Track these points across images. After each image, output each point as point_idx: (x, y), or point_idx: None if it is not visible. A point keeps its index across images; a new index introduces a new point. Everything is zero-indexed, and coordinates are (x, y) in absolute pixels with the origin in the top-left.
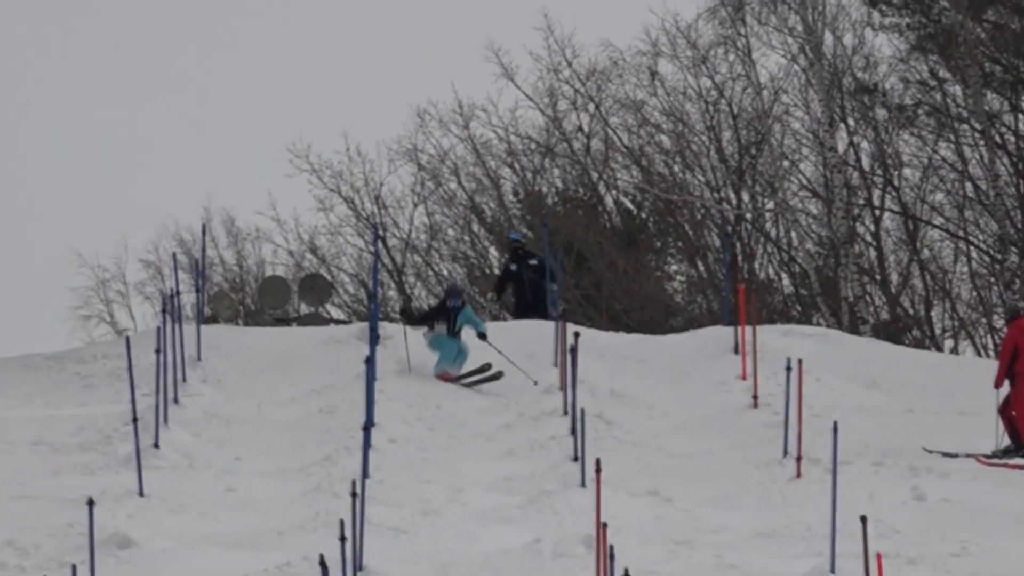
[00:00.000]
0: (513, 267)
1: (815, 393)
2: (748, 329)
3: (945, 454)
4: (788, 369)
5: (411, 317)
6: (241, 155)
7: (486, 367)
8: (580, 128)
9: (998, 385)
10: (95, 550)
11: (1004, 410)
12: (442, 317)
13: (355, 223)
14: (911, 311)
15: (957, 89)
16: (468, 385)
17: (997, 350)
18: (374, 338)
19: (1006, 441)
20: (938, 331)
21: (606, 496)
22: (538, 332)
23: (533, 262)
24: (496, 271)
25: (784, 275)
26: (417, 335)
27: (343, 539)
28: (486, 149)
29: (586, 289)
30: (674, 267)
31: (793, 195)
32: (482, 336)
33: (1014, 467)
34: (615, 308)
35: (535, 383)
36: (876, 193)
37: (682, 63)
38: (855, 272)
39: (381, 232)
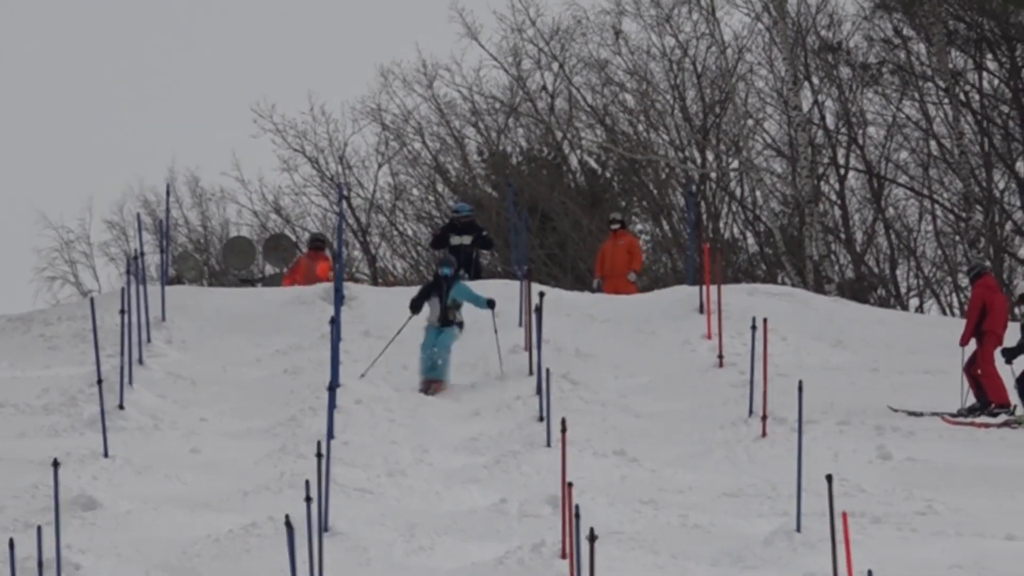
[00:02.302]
0: (454, 240)
1: (780, 352)
2: (713, 288)
3: (911, 413)
4: (753, 328)
5: (413, 305)
6: (205, 116)
7: (491, 302)
8: (544, 87)
9: (964, 343)
10: (60, 511)
11: (969, 368)
12: (434, 292)
13: (319, 183)
14: (876, 270)
15: (921, 47)
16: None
17: (963, 309)
18: (339, 299)
19: (971, 400)
20: (903, 290)
21: (572, 456)
22: (504, 292)
23: (466, 240)
24: None
25: (749, 234)
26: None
27: (308, 500)
28: (450, 109)
29: (551, 248)
30: (639, 226)
31: (758, 154)
32: (490, 304)
33: (980, 425)
34: (580, 267)
35: (501, 373)
36: (841, 152)
37: (646, 22)
38: (820, 231)
39: (346, 192)
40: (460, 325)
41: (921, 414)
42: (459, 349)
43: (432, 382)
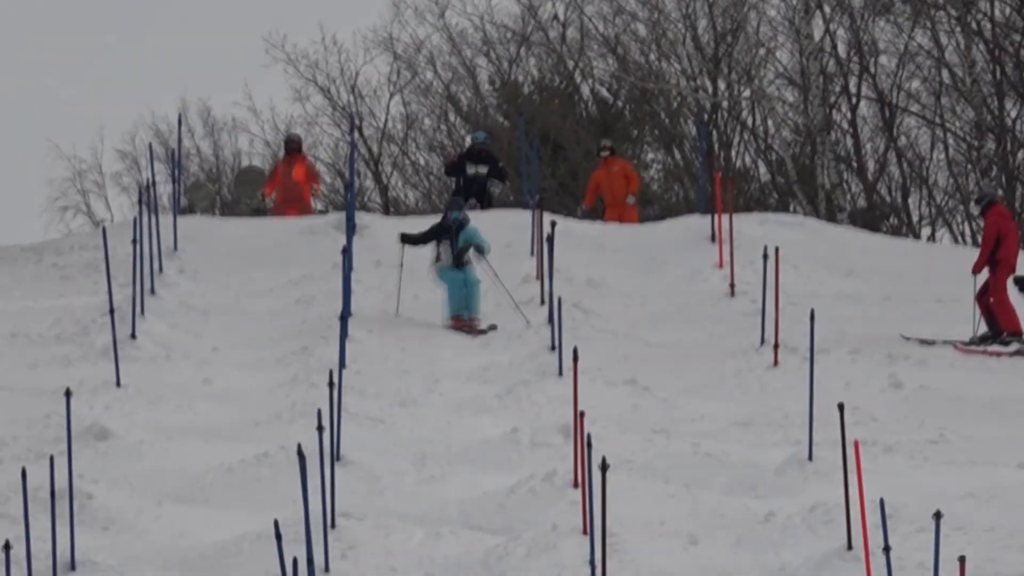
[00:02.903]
0: (470, 169)
1: (792, 281)
2: (725, 218)
3: (923, 341)
4: (765, 257)
5: (411, 238)
6: (217, 45)
7: (491, 327)
8: (556, 17)
9: (976, 271)
10: (72, 441)
11: (982, 297)
12: (444, 236)
13: (331, 113)
14: (888, 199)
15: None
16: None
17: (975, 238)
18: (351, 228)
19: (983, 328)
20: (915, 218)
21: (583, 385)
22: (515, 221)
23: (482, 170)
24: None
25: (761, 163)
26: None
27: (320, 429)
28: (462, 38)
29: (563, 178)
30: (650, 156)
31: (769, 83)
32: (480, 250)
33: (992, 354)
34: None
35: (528, 323)
36: (852, 80)
37: None
38: (832, 160)
39: (357, 122)
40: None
41: (933, 343)
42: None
43: (468, 321)
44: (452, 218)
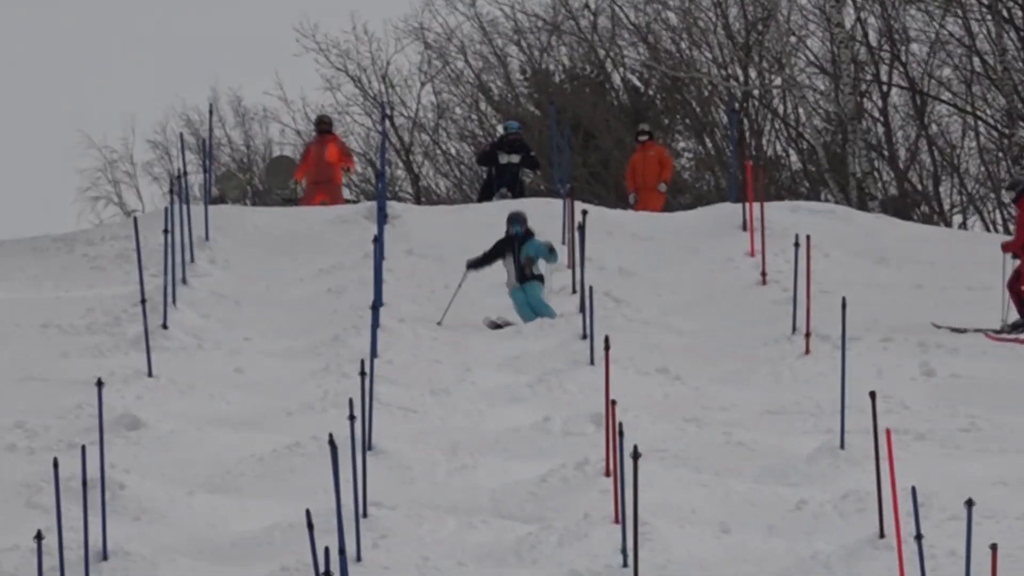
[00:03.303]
0: (502, 158)
1: (823, 269)
2: (756, 206)
3: (954, 329)
4: (796, 245)
5: (477, 263)
6: (248, 34)
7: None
8: (587, 5)
9: (1009, 249)
10: (104, 431)
11: (1013, 284)
12: (507, 250)
13: (362, 102)
14: (919, 187)
15: None
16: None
17: (1007, 226)
18: (382, 217)
19: (1014, 316)
20: (946, 206)
21: (615, 374)
22: (546, 210)
23: (515, 159)
24: None
25: (792, 151)
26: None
27: (352, 418)
28: (493, 27)
29: (594, 167)
30: (681, 144)
31: (800, 71)
32: (550, 259)
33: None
34: (623, 186)
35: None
36: (883, 69)
37: None
38: (863, 148)
39: (388, 111)
40: (540, 279)
41: (964, 331)
42: (499, 269)
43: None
44: (514, 232)
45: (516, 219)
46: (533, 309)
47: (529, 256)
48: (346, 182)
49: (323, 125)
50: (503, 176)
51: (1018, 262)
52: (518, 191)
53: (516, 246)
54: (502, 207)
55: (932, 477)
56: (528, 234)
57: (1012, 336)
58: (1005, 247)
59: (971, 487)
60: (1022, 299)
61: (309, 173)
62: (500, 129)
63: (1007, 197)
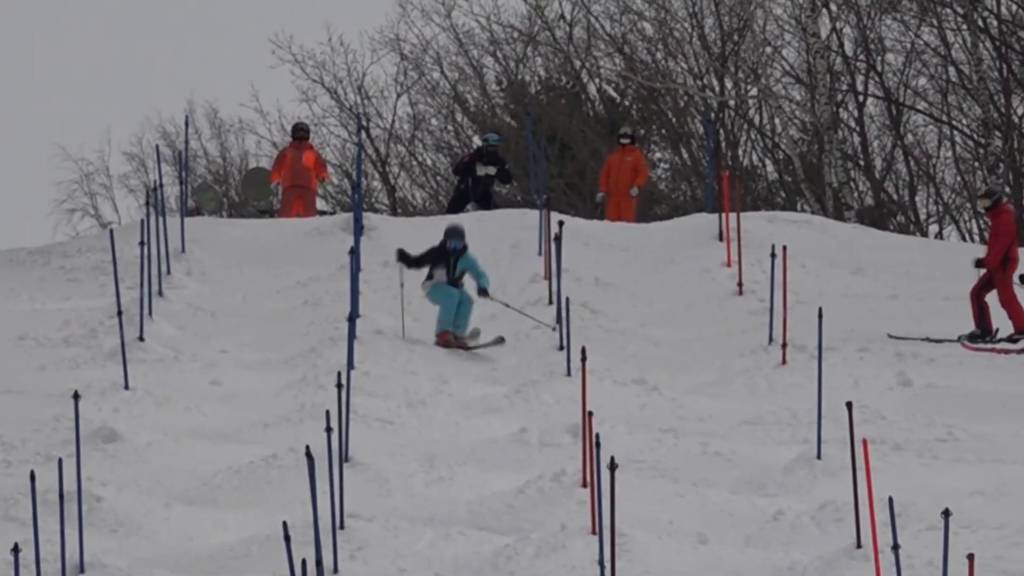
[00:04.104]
0: (480, 170)
1: (800, 279)
2: (732, 216)
3: (896, 337)
4: (773, 256)
5: (408, 260)
6: (224, 47)
7: (498, 340)
8: (562, 16)
9: (992, 265)
10: (81, 443)
11: (979, 292)
12: (441, 262)
13: (338, 114)
14: (895, 196)
15: None
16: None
17: (983, 235)
18: (358, 229)
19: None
20: (923, 216)
21: (592, 385)
22: (522, 221)
23: (492, 171)
24: None
25: (768, 161)
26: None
27: (329, 430)
28: (469, 38)
29: (570, 178)
30: (658, 155)
31: (776, 81)
32: (483, 292)
33: (1000, 351)
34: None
35: (554, 329)
36: (859, 78)
37: None
38: (839, 158)
39: (365, 122)
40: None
41: (920, 340)
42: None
43: (456, 338)
44: (452, 246)
45: (455, 233)
46: (460, 306)
47: (463, 270)
48: (321, 193)
49: (300, 132)
50: (476, 188)
51: (983, 271)
52: (490, 204)
53: (452, 260)
54: (478, 218)
55: (909, 487)
56: (464, 248)
57: (989, 345)
58: (989, 264)
59: (948, 497)
60: (982, 308)
61: (286, 178)
62: (477, 141)
63: (981, 206)
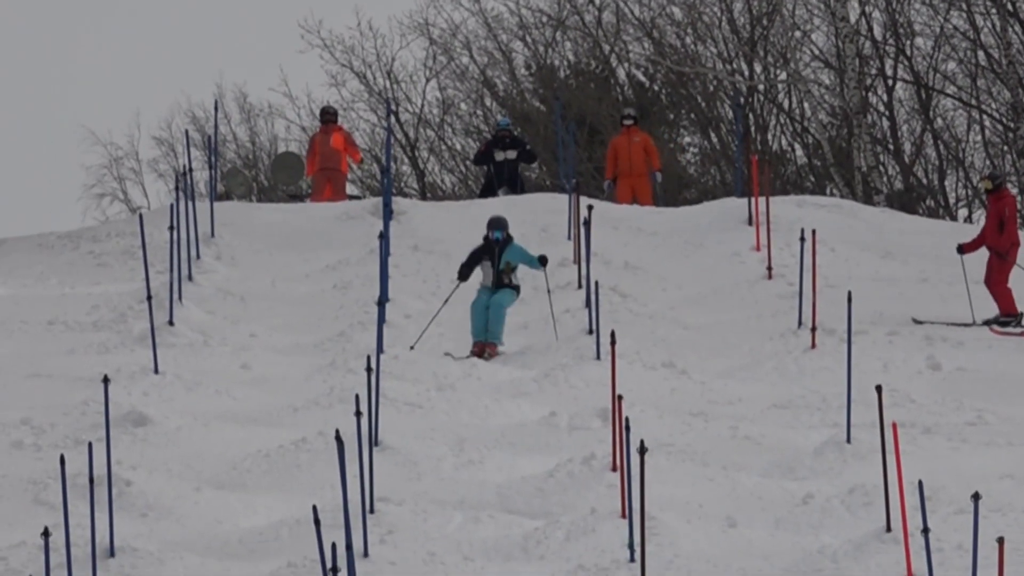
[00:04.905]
0: (498, 156)
1: (829, 263)
2: (762, 200)
3: (920, 322)
4: (802, 240)
5: (462, 273)
6: (253, 31)
7: (543, 259)
8: (591, 0)
9: (969, 250)
10: (111, 428)
11: (990, 279)
12: (485, 255)
13: (367, 98)
14: (925, 180)
15: None
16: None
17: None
18: (388, 213)
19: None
20: (952, 200)
21: (621, 369)
22: (552, 205)
23: (511, 155)
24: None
25: (797, 146)
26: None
27: (358, 414)
28: (497, 23)
29: (599, 162)
30: (687, 139)
31: (805, 66)
32: (543, 261)
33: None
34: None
35: (556, 335)
36: (888, 63)
37: None
38: (868, 142)
39: (394, 107)
40: (516, 289)
41: (945, 324)
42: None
43: (485, 345)
44: (494, 237)
45: (497, 224)
46: (486, 316)
47: (509, 263)
48: (352, 178)
49: (327, 116)
50: (501, 174)
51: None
52: (519, 187)
53: (496, 252)
54: (508, 202)
55: (939, 471)
56: (508, 239)
57: (1018, 330)
58: (963, 249)
59: (978, 480)
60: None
61: (316, 162)
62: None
63: (983, 188)
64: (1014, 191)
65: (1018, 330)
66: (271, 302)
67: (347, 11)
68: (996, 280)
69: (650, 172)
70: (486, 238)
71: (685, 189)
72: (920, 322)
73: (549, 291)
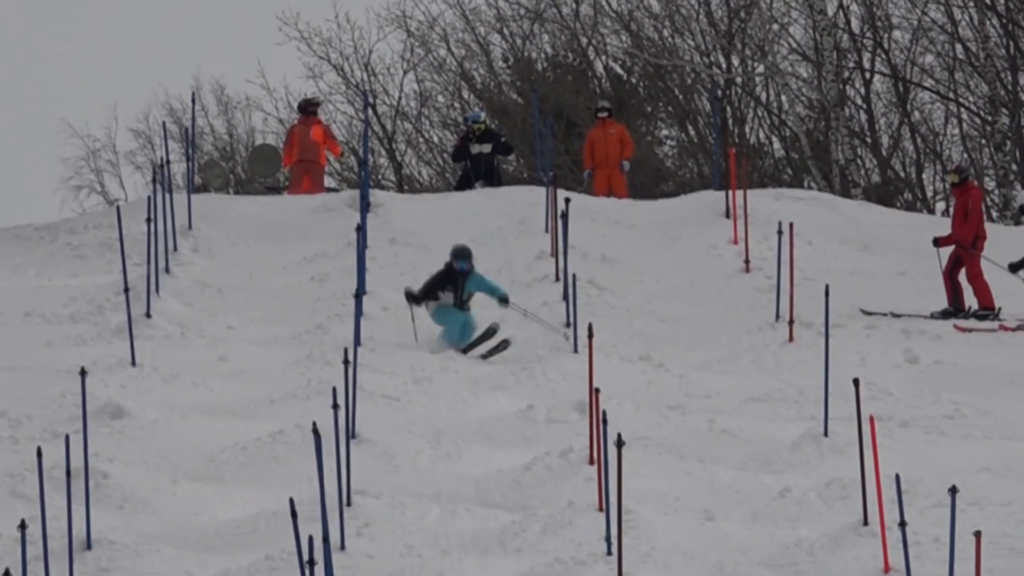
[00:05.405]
0: (473, 149)
1: (807, 256)
2: (739, 193)
3: (868, 313)
4: (780, 233)
5: (415, 297)
6: (230, 23)
7: (491, 330)
8: None
9: (946, 243)
10: (88, 420)
11: (951, 272)
12: (448, 284)
13: (345, 90)
14: (902, 174)
15: None
16: (482, 355)
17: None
18: (365, 206)
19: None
20: (929, 193)
21: (598, 362)
22: (529, 198)
23: (486, 149)
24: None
25: (775, 139)
26: (423, 312)
27: (336, 407)
28: (475, 15)
29: (576, 155)
30: (664, 132)
31: (783, 58)
32: (503, 300)
33: (1006, 328)
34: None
35: (566, 337)
36: (866, 56)
37: None
38: (846, 135)
39: (371, 99)
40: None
41: (899, 316)
42: (481, 259)
43: (469, 346)
44: (459, 268)
45: (462, 254)
46: (463, 328)
47: (471, 292)
48: (329, 170)
49: (311, 107)
50: (478, 167)
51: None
52: (496, 180)
53: (460, 281)
54: (485, 195)
55: (916, 464)
56: (471, 270)
57: (984, 325)
58: (940, 242)
59: (955, 474)
60: (955, 287)
61: (294, 153)
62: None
63: (949, 181)
64: (992, 184)
65: (983, 325)
66: (248, 294)
67: (324, 3)
68: (972, 274)
69: (620, 161)
70: (449, 266)
71: (663, 182)
72: (869, 313)
73: (526, 313)
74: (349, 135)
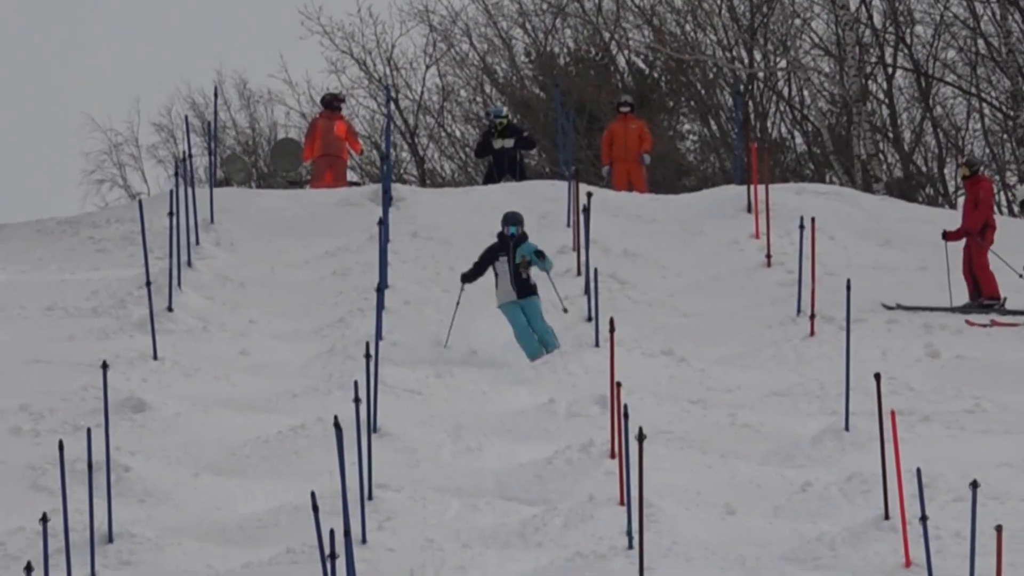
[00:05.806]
0: (496, 144)
1: (828, 251)
2: (761, 188)
3: (889, 307)
4: (801, 227)
5: (469, 276)
6: (253, 17)
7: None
8: None
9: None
10: (110, 413)
11: (970, 268)
12: (501, 252)
13: (367, 85)
14: (924, 168)
15: None
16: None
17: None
18: (387, 200)
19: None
20: (951, 188)
21: (620, 356)
22: (551, 192)
23: (509, 143)
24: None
25: (797, 133)
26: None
27: (357, 401)
28: (497, 10)
29: (598, 149)
30: (686, 126)
31: (805, 53)
32: (539, 255)
33: (1007, 324)
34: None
35: (564, 311)
36: (888, 51)
37: None
38: (868, 130)
39: (393, 94)
40: (535, 288)
41: (922, 309)
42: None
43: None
44: (509, 233)
45: (512, 219)
46: (538, 336)
47: (525, 257)
48: (351, 164)
49: (336, 102)
50: (502, 162)
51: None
52: (519, 174)
53: (511, 248)
54: (507, 189)
55: (937, 458)
56: (523, 236)
57: (1006, 319)
58: (949, 236)
59: (976, 468)
60: (976, 281)
61: (317, 147)
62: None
63: (960, 174)
64: (1013, 180)
65: (1002, 319)
66: (270, 288)
67: None
68: (978, 264)
69: (640, 155)
70: (500, 235)
71: (684, 176)
72: (890, 307)
73: (555, 287)
74: (371, 129)
